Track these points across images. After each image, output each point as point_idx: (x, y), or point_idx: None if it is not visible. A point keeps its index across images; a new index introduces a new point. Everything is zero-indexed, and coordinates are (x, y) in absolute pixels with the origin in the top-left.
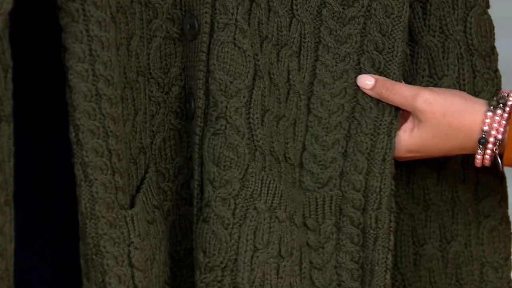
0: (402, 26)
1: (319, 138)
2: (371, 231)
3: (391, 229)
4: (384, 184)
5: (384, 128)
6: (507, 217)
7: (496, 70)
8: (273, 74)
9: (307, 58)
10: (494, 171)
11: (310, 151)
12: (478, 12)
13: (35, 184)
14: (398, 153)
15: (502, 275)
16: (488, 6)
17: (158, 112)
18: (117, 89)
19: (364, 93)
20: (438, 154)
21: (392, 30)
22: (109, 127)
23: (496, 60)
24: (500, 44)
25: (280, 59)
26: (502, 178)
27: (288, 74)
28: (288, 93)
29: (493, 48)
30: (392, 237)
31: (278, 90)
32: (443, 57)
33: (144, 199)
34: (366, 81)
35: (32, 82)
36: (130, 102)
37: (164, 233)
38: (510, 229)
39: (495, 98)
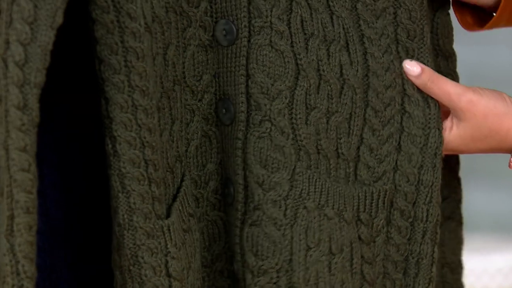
0: (426, 12)
1: (376, 132)
2: (421, 224)
3: (438, 222)
4: (436, 178)
5: (434, 122)
6: (462, 219)
7: (455, 71)
8: (323, 71)
9: (356, 52)
10: (453, 173)
11: (368, 144)
12: (444, 13)
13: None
14: None
15: (458, 276)
16: (449, 7)
17: (193, 119)
18: (152, 99)
19: (410, 83)
20: (472, 153)
21: (420, 17)
22: (145, 138)
23: (455, 60)
24: (501, 44)
25: (330, 54)
26: (459, 180)
27: (341, 69)
28: (342, 88)
29: (453, 48)
30: (439, 231)
31: (330, 86)
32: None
33: (180, 208)
34: (414, 68)
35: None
36: (167, 111)
37: (198, 241)
38: (462, 230)
39: None
